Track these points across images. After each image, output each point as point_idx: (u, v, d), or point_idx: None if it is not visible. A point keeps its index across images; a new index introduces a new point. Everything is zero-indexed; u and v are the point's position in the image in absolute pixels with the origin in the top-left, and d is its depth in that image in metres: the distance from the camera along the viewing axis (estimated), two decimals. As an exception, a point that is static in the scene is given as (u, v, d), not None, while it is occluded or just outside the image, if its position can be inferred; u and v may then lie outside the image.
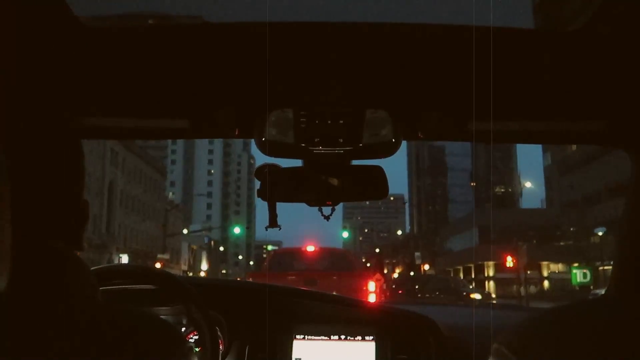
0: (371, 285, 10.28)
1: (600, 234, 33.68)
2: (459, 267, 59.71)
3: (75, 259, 0.77)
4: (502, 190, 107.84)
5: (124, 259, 42.23)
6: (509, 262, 32.04)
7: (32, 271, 0.69)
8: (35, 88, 1.03)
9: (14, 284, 0.55)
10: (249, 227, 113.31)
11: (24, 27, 0.92)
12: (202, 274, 62.81)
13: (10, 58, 0.91)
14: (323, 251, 11.65)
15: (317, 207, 1.36)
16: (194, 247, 67.33)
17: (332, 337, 1.84)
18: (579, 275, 30.36)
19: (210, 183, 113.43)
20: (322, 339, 1.85)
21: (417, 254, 47.04)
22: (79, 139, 0.87)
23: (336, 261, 11.23)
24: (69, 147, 0.84)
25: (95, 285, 0.79)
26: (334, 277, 10.24)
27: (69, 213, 0.81)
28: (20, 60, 0.96)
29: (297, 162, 1.31)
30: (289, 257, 11.56)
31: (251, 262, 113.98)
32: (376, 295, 10.37)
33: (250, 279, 10.66)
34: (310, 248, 11.46)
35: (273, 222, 1.39)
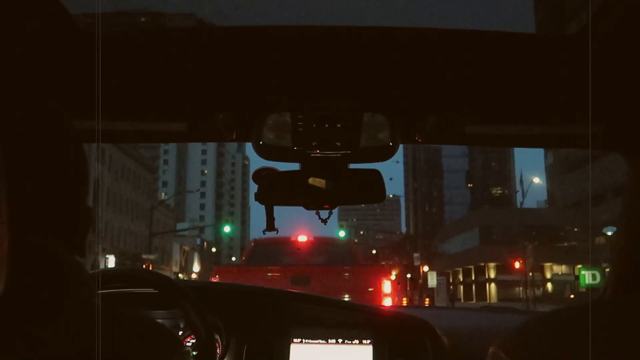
0: (386, 286, 7.72)
1: (609, 233, 32.35)
2: (458, 268, 58.68)
3: (73, 262, 0.78)
4: (499, 191, 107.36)
5: (111, 260, 40.90)
6: (517, 264, 30.74)
7: (30, 274, 0.70)
8: (32, 91, 1.02)
9: (11, 286, 0.55)
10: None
11: (21, 29, 0.95)
12: (194, 275, 61.45)
13: (7, 60, 0.94)
14: (318, 242, 8.89)
15: (315, 211, 1.36)
16: (186, 248, 65.93)
17: (329, 340, 1.84)
18: (588, 276, 28.99)
19: (203, 183, 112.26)
20: (319, 343, 1.84)
21: (416, 255, 45.85)
22: (81, 142, 0.87)
23: (335, 254, 8.79)
24: (72, 151, 0.84)
25: (92, 289, 0.80)
26: (333, 274, 7.78)
27: (72, 218, 0.82)
28: (17, 62, 0.98)
29: (295, 166, 1.32)
30: (274, 248, 8.77)
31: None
32: (392, 299, 7.85)
33: (217, 277, 8.12)
34: (302, 238, 8.77)
35: (270, 226, 1.43)
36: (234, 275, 8.09)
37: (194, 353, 1.63)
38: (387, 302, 7.52)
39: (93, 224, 0.86)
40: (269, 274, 7.80)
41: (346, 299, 5.90)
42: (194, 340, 1.66)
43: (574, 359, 0.63)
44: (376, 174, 1.32)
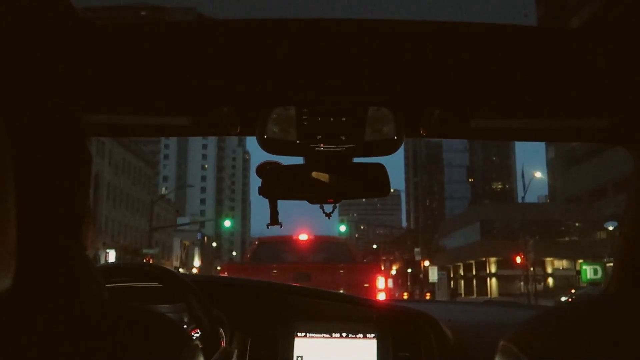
0: (380, 282, 8.24)
1: (611, 228, 32.32)
2: (459, 263, 58.68)
3: (81, 256, 0.78)
4: (500, 186, 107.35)
5: (111, 254, 40.99)
6: (517, 258, 30.71)
7: (39, 269, 0.70)
8: (36, 86, 1.04)
9: (21, 282, 0.55)
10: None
11: (25, 23, 0.95)
12: (195, 270, 61.57)
13: (12, 55, 0.95)
14: (318, 240, 9.56)
15: (318, 205, 1.36)
16: (187, 242, 66.03)
17: (333, 334, 1.84)
18: (589, 271, 28.95)
19: (204, 178, 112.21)
20: (323, 337, 1.84)
21: (416, 249, 45.89)
22: (84, 137, 0.87)
23: (334, 252, 9.26)
24: (74, 145, 0.84)
25: (101, 283, 0.80)
26: (332, 271, 8.31)
27: (73, 211, 0.82)
28: (22, 57, 0.98)
29: (299, 160, 1.31)
30: (276, 246, 9.37)
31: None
32: (386, 294, 8.46)
33: (225, 274, 8.53)
34: (303, 237, 9.38)
35: (274, 220, 1.44)
36: (240, 272, 8.46)
37: (200, 346, 1.59)
38: (381, 296, 7.99)
39: (92, 220, 0.86)
40: (274, 271, 8.24)
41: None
42: (198, 334, 1.66)
43: (585, 352, 0.62)
44: (380, 168, 1.32)
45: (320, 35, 1.09)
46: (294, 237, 9.45)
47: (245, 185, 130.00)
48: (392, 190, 1.46)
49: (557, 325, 0.69)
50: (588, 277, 28.95)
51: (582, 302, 0.73)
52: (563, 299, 29.88)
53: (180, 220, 69.03)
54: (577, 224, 42.12)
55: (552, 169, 56.77)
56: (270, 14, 1.05)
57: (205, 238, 77.58)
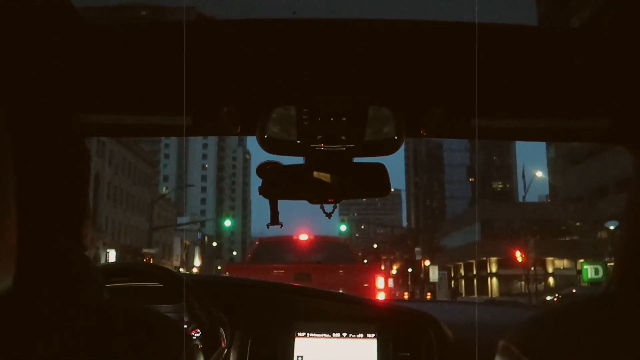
0: (380, 282, 8.32)
1: (612, 227, 32.32)
2: (459, 263, 58.63)
3: (81, 256, 0.78)
4: (500, 186, 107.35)
5: (112, 254, 41.04)
6: (519, 257, 30.67)
7: (39, 269, 0.70)
8: (38, 86, 1.04)
9: (20, 282, 0.55)
10: None
11: (25, 23, 0.95)
12: (195, 270, 61.61)
13: (11, 55, 0.95)
14: (318, 240, 9.69)
15: (319, 205, 1.36)
16: (187, 242, 66.03)
17: (333, 334, 1.84)
18: (590, 271, 28.94)
19: (204, 178, 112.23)
20: (323, 337, 1.84)
21: (417, 249, 45.96)
22: (83, 137, 0.89)
23: (334, 252, 9.36)
24: (74, 145, 0.85)
25: (101, 283, 0.80)
26: (332, 271, 8.40)
27: (73, 211, 0.83)
28: (22, 57, 0.98)
29: (299, 160, 1.31)
30: (277, 247, 9.48)
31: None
32: (385, 294, 8.51)
33: (227, 274, 8.72)
34: (303, 237, 9.52)
35: (274, 220, 1.44)
36: (241, 272, 8.54)
37: (199, 346, 1.63)
38: (381, 296, 8.09)
39: (89, 217, 0.87)
40: (275, 272, 8.29)
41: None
42: (198, 334, 1.66)
43: (585, 352, 0.62)
44: (381, 167, 1.32)
45: (320, 35, 1.08)
46: (295, 237, 9.57)
47: (246, 185, 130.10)
48: (392, 190, 1.45)
49: (557, 325, 0.69)
50: (589, 276, 28.99)
51: (582, 302, 0.73)
52: (548, 298, 29.97)
53: (181, 219, 69.07)
54: (577, 224, 42.11)
55: (552, 168, 56.69)
56: (271, 14, 1.05)
57: (206, 238, 77.72)
